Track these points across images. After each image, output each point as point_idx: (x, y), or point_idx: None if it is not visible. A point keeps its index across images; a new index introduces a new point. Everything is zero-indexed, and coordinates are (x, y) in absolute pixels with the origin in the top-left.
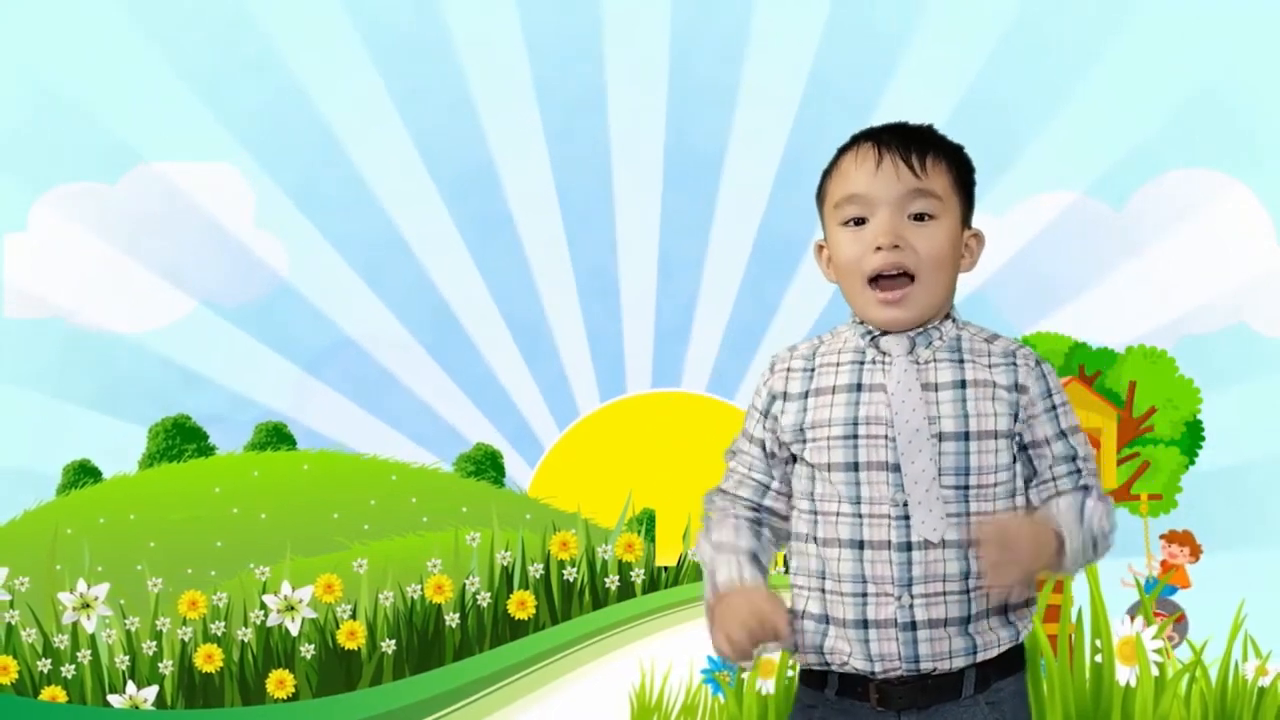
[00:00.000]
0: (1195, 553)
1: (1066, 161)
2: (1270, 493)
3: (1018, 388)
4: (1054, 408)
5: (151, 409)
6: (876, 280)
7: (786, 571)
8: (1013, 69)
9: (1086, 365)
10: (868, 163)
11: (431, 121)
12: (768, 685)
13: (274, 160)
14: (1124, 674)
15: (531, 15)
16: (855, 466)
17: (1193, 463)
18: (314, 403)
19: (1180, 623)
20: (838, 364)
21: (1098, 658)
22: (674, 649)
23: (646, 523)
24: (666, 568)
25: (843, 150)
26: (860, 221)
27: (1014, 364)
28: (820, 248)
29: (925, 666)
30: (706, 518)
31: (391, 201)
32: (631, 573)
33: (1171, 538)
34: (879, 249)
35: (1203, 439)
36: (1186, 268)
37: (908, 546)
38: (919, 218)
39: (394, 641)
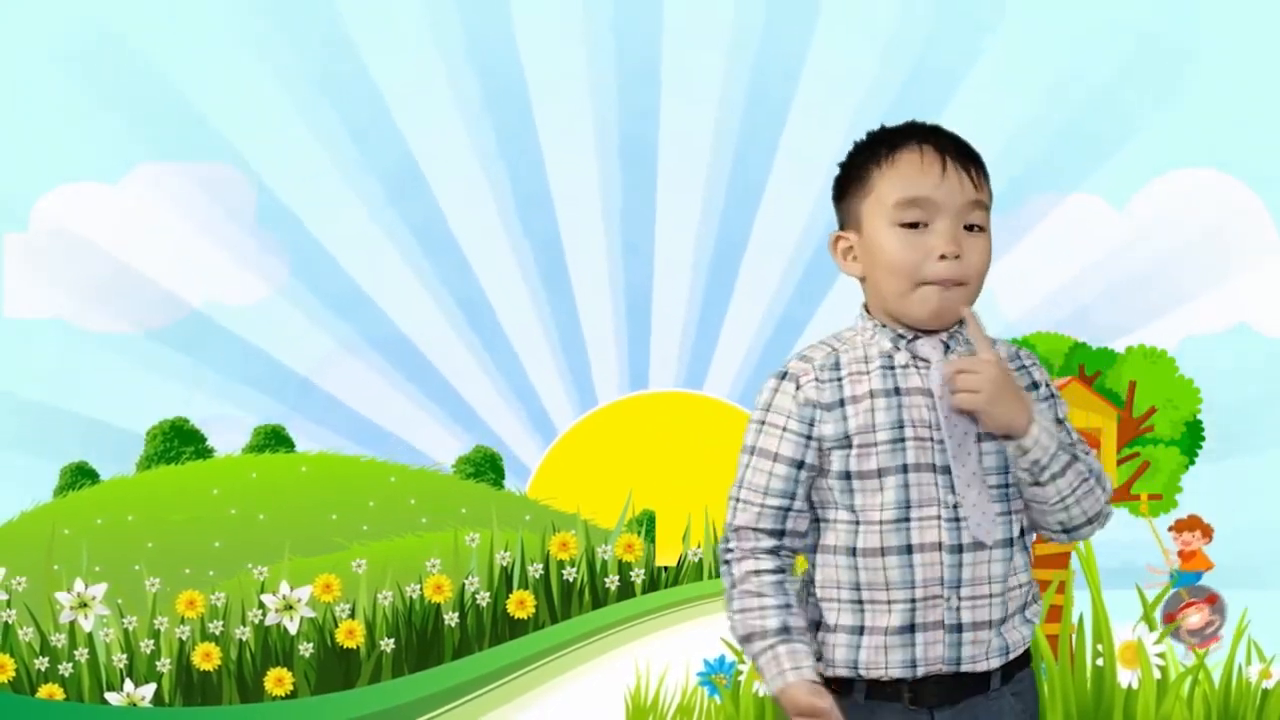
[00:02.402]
0: (1207, 533)
1: (1068, 161)
2: (1272, 494)
3: (1033, 386)
4: (1051, 396)
5: (151, 410)
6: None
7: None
8: (1015, 69)
9: (1086, 365)
10: (935, 168)
11: (444, 116)
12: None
13: (276, 160)
14: (1126, 677)
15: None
16: (904, 469)
17: (1193, 463)
18: (315, 404)
19: (1215, 604)
20: (867, 370)
21: (1099, 661)
22: (673, 649)
23: (646, 523)
24: (666, 568)
25: (892, 145)
26: (915, 225)
27: (1023, 366)
28: (838, 239)
29: (965, 668)
30: (727, 574)
31: (401, 198)
32: (631, 573)
33: (1180, 526)
34: (943, 257)
35: (1203, 439)
36: (1188, 268)
37: (959, 549)
38: (970, 228)
39: (393, 640)
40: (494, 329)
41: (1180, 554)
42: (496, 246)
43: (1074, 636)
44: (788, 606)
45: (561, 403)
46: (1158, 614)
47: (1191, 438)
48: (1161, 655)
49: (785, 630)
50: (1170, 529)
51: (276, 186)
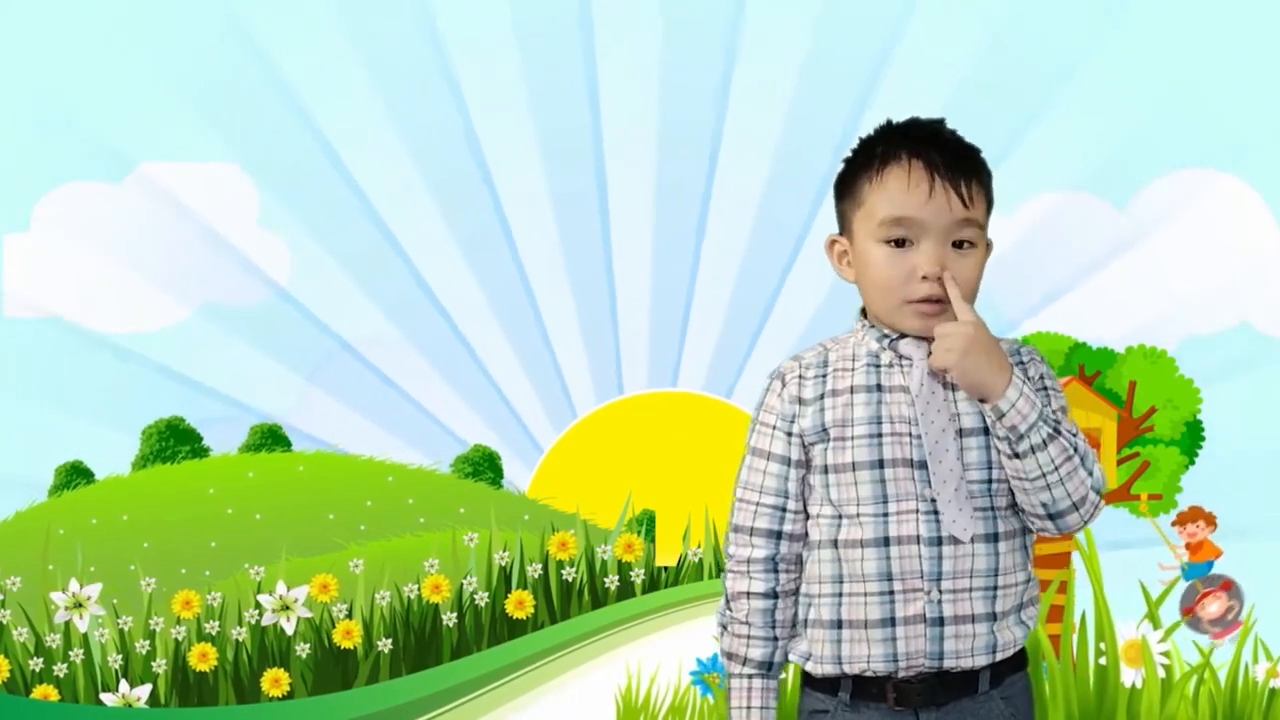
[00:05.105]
0: (1210, 521)
1: (1070, 160)
2: (1273, 494)
3: (1025, 381)
4: (1045, 389)
5: (150, 411)
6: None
7: None
8: (1015, 66)
9: (1086, 365)
10: (921, 186)
11: (452, 118)
12: None
13: (277, 160)
14: (1130, 676)
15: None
16: (880, 464)
17: (1193, 463)
18: (314, 404)
19: (1232, 589)
20: (852, 368)
21: (1102, 660)
22: (673, 649)
23: (646, 523)
24: (666, 568)
25: (883, 158)
26: (902, 243)
27: (1021, 361)
28: (834, 243)
29: (948, 664)
30: (725, 580)
31: (404, 201)
32: (631, 573)
33: (1182, 518)
34: (925, 278)
35: (1203, 439)
36: (1189, 267)
37: (938, 541)
38: (959, 244)
39: (390, 640)
40: (521, 323)
41: (1188, 546)
42: (519, 240)
43: (1076, 636)
44: (774, 639)
45: (588, 398)
46: (1176, 609)
47: (1191, 438)
48: (1166, 654)
49: (766, 666)
50: (1173, 523)
51: (278, 187)
